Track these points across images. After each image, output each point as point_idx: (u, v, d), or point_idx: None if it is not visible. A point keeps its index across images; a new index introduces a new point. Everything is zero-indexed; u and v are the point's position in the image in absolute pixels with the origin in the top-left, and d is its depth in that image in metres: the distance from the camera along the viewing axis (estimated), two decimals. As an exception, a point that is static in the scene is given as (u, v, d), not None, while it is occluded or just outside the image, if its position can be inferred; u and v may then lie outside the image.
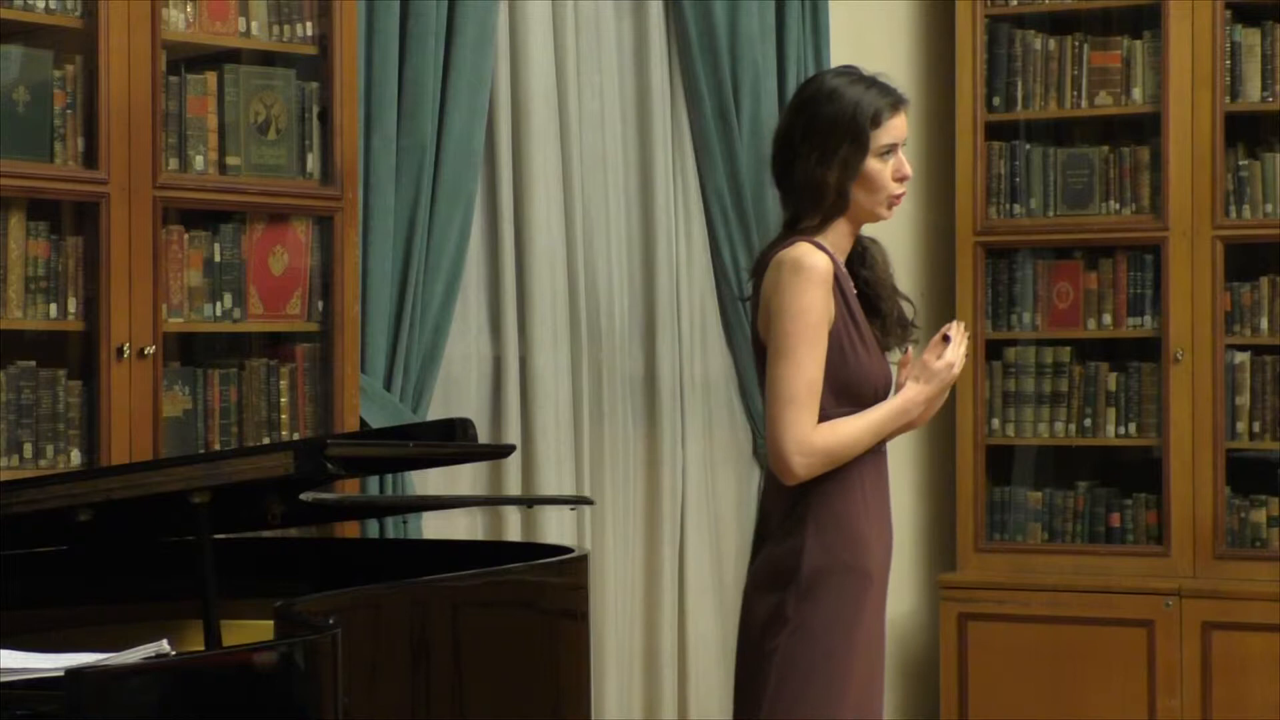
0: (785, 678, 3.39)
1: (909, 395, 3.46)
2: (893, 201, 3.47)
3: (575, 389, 5.14)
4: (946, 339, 3.49)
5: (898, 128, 3.46)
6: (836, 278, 3.40)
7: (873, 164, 3.42)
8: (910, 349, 3.55)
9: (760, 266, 3.47)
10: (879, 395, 3.46)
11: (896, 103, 3.46)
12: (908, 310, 3.56)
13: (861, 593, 3.41)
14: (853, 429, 3.40)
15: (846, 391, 3.41)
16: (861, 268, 3.53)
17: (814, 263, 3.37)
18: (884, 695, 3.53)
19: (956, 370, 3.49)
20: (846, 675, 3.39)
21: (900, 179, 3.46)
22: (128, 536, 3.54)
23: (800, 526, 3.42)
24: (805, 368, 3.35)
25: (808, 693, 3.38)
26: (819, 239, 3.44)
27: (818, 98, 3.47)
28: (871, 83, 3.48)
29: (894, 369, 3.56)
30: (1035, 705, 5.56)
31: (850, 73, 3.51)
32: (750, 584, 3.50)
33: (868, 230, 3.56)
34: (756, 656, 3.43)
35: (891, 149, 3.44)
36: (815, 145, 3.42)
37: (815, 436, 3.36)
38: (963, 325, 3.53)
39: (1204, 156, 5.53)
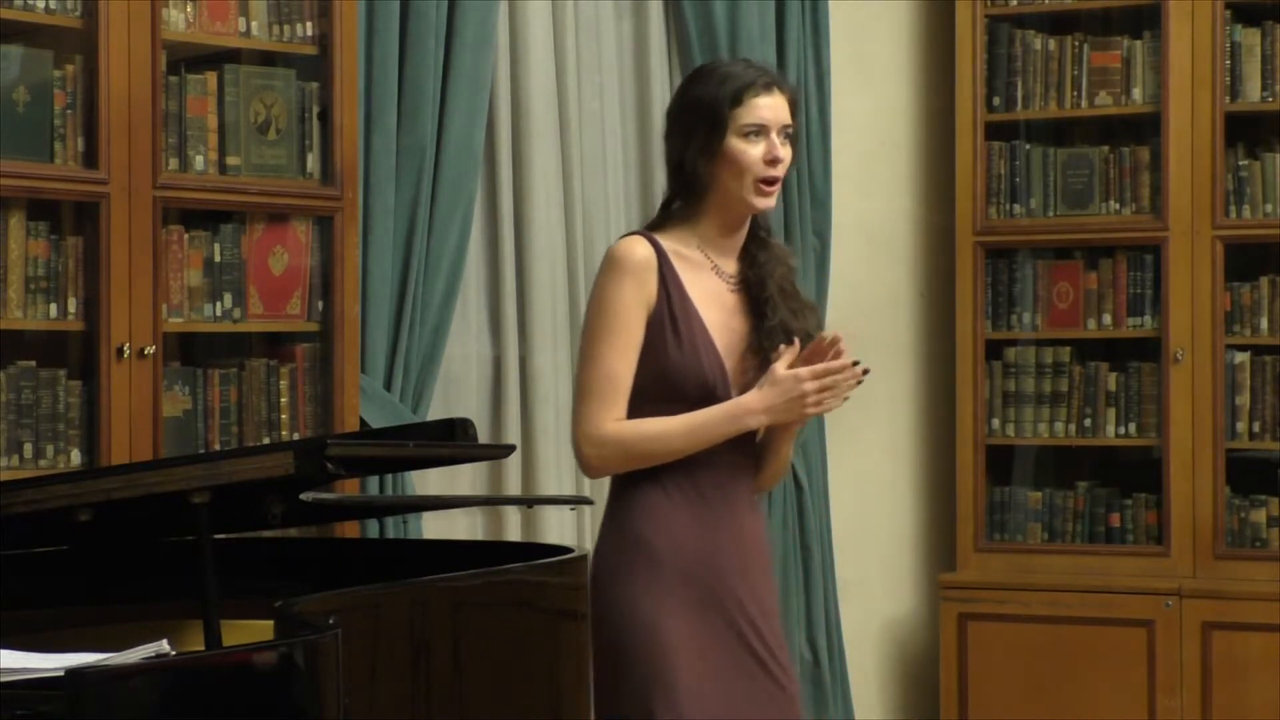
0: (596, 669, 3.38)
1: (743, 400, 3.27)
2: (762, 187, 3.30)
3: (575, 389, 5.14)
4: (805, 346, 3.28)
5: (765, 108, 3.29)
6: (662, 269, 3.29)
7: (734, 143, 3.28)
8: (783, 346, 3.31)
9: None
10: (710, 393, 3.30)
11: (769, 83, 3.32)
12: (808, 320, 3.39)
13: (650, 581, 3.30)
14: (659, 426, 3.28)
15: (664, 382, 3.29)
16: (749, 269, 3.39)
17: (625, 255, 3.29)
18: (773, 699, 3.35)
19: (809, 396, 3.24)
20: (651, 670, 3.26)
21: (770, 161, 3.29)
22: (128, 537, 3.53)
23: (605, 521, 3.42)
24: (602, 361, 3.27)
25: (619, 685, 3.31)
26: (666, 230, 3.35)
27: (692, 78, 3.41)
28: (749, 65, 3.37)
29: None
30: (1035, 705, 5.55)
31: (738, 59, 3.42)
32: None
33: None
34: None
35: (759, 130, 3.29)
36: (682, 124, 3.33)
37: (607, 428, 3.28)
38: (849, 361, 3.24)
39: (1204, 156, 5.53)
